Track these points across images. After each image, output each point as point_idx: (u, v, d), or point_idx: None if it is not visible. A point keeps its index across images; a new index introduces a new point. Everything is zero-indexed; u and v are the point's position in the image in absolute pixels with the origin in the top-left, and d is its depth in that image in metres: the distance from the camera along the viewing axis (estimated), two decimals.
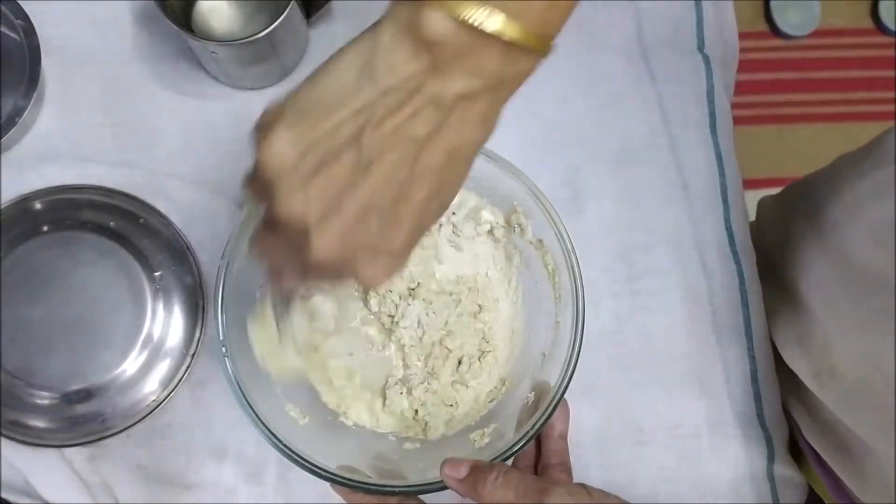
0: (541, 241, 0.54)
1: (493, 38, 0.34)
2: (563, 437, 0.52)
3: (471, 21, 0.33)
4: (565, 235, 0.52)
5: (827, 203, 0.59)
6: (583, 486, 0.44)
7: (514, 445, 0.48)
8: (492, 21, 0.33)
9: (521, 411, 0.52)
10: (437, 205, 0.38)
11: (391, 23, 0.35)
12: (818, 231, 0.59)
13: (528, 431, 0.49)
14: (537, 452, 0.52)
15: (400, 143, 0.35)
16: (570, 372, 0.50)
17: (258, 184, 0.38)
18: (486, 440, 0.52)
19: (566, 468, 0.51)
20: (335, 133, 0.35)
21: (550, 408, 0.49)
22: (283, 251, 0.40)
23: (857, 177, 0.57)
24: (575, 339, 0.50)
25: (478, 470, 0.45)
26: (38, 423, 0.57)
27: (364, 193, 0.36)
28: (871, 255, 0.53)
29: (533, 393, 0.52)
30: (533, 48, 0.35)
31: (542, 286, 0.55)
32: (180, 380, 0.58)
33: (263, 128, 0.37)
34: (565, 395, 0.50)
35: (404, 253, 0.38)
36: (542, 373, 0.52)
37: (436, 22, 0.33)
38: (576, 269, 0.51)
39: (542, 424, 0.49)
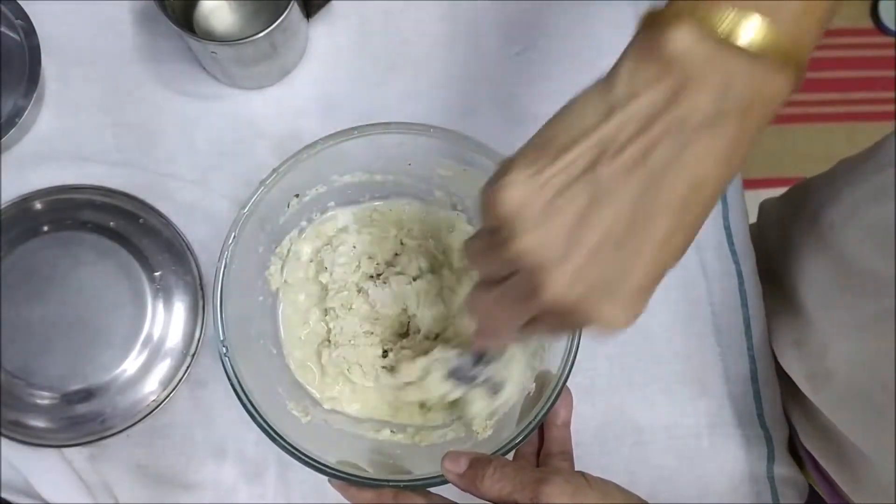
0: None
1: (741, 51, 0.32)
2: (566, 425, 0.52)
3: (719, 29, 0.32)
4: None
5: (826, 206, 0.59)
6: (581, 474, 0.44)
7: (517, 436, 0.49)
8: (742, 29, 0.32)
9: (523, 402, 0.52)
10: (679, 244, 0.35)
11: (632, 51, 0.34)
12: (817, 234, 0.59)
13: (530, 421, 0.49)
14: (540, 440, 0.52)
15: (638, 174, 0.33)
16: (571, 360, 0.50)
17: (485, 236, 0.37)
18: (489, 432, 0.52)
19: (568, 456, 0.51)
20: (570, 167, 0.34)
21: (553, 397, 0.49)
22: (505, 304, 0.38)
23: (856, 180, 0.57)
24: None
25: (477, 464, 0.45)
26: (38, 423, 0.57)
27: (599, 230, 0.34)
28: (870, 258, 0.53)
29: (535, 383, 0.52)
30: (785, 62, 0.33)
31: None
32: (180, 380, 0.58)
33: (498, 174, 0.35)
34: (567, 384, 0.50)
35: (643, 294, 0.35)
36: (544, 362, 0.52)
37: (681, 37, 0.32)
38: None
39: (545, 414, 0.49)
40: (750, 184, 0.69)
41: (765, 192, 0.76)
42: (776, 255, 0.67)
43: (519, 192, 0.34)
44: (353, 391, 0.56)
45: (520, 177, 0.34)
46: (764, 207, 0.75)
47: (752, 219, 0.69)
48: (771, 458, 0.61)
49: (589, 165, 0.34)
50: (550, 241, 0.34)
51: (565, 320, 0.36)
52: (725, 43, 0.32)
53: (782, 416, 0.63)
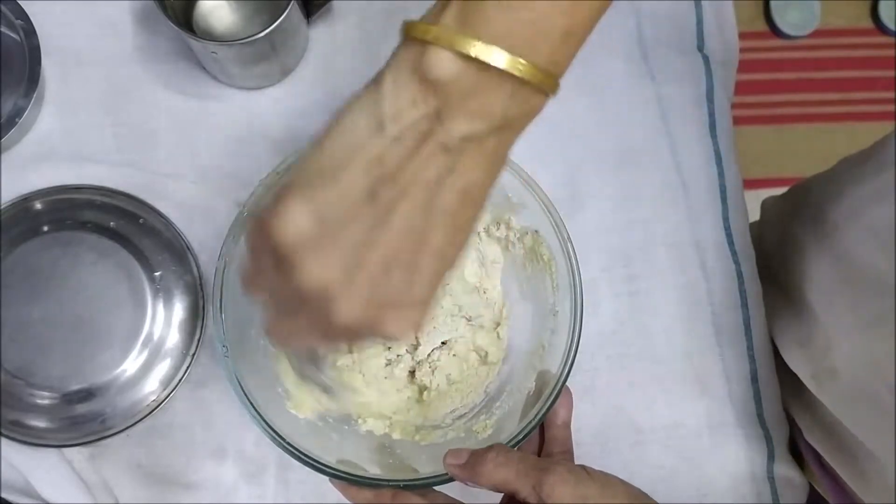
0: (536, 231, 0.54)
1: (500, 75, 0.33)
2: (567, 425, 0.52)
3: (477, 57, 0.33)
4: (559, 223, 0.52)
5: (829, 205, 0.59)
6: (583, 467, 0.44)
7: (517, 435, 0.49)
8: (498, 58, 0.33)
9: (524, 402, 0.52)
10: (455, 247, 0.37)
11: (395, 70, 0.35)
12: (820, 233, 0.59)
13: (531, 421, 0.49)
14: (540, 440, 0.52)
15: (414, 190, 0.34)
16: (570, 359, 0.50)
17: (259, 268, 0.37)
18: (490, 431, 0.53)
19: (569, 456, 0.51)
20: (349, 193, 0.34)
21: (553, 396, 0.49)
22: (304, 326, 0.38)
23: (859, 180, 0.57)
24: (574, 326, 0.50)
25: (478, 453, 0.45)
26: (38, 423, 0.57)
27: (384, 249, 0.35)
28: (873, 257, 0.53)
29: (535, 383, 0.52)
30: (541, 85, 0.34)
31: (539, 277, 0.55)
32: (180, 380, 0.58)
33: (272, 203, 0.36)
34: (567, 384, 0.50)
35: (428, 302, 0.37)
36: (544, 362, 0.52)
37: (442, 62, 0.33)
38: (572, 256, 0.51)
39: (545, 413, 0.49)
40: (750, 184, 0.69)
41: (765, 192, 0.76)
42: (779, 254, 0.67)
43: (297, 223, 0.35)
44: (354, 391, 0.56)
45: (297, 206, 0.35)
46: (765, 206, 0.75)
47: (753, 218, 0.69)
48: (771, 458, 0.62)
49: (366, 192, 0.34)
50: (332, 270, 0.35)
51: (357, 335, 0.37)
52: (483, 67, 0.33)
53: (782, 415, 0.63)
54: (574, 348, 0.50)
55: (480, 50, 0.33)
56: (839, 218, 0.58)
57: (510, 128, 0.36)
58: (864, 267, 0.54)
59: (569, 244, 0.51)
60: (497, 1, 0.33)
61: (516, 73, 0.33)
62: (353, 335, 0.38)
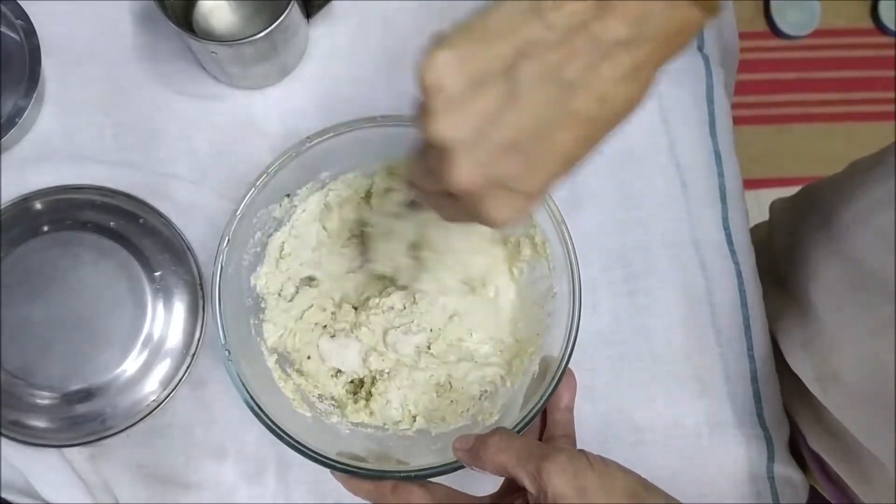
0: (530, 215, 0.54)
1: None
2: (570, 408, 0.52)
3: None
4: (552, 205, 0.52)
5: (839, 209, 0.59)
6: (584, 453, 0.44)
7: (521, 419, 0.49)
8: None
9: (527, 386, 0.52)
10: (577, 156, 0.37)
11: None
12: (829, 236, 0.59)
13: (535, 405, 0.49)
14: (542, 425, 0.52)
15: (552, 81, 0.35)
16: (571, 340, 0.50)
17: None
18: (496, 418, 0.53)
19: (570, 440, 0.51)
20: (493, 60, 0.35)
21: (556, 379, 0.49)
22: (423, 171, 0.40)
23: (869, 184, 0.57)
24: (574, 307, 0.51)
25: (483, 436, 0.45)
26: (38, 423, 0.57)
27: (512, 127, 0.35)
28: (882, 262, 0.53)
29: (538, 367, 0.52)
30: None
31: (535, 263, 0.55)
32: (180, 380, 0.58)
33: (430, 46, 0.37)
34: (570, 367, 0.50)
35: (537, 196, 0.38)
36: (545, 346, 0.52)
37: None
38: (567, 239, 0.51)
39: (549, 397, 0.49)
40: (750, 184, 0.69)
41: (764, 192, 0.77)
42: (786, 256, 0.67)
43: (443, 69, 0.36)
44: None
45: (447, 55, 0.36)
46: (774, 208, 0.74)
47: (753, 218, 0.69)
48: (771, 458, 0.61)
49: (510, 63, 0.35)
50: (462, 129, 0.36)
51: (459, 204, 0.38)
52: None
53: (782, 415, 0.63)
54: (574, 329, 0.50)
55: None
56: (849, 221, 0.58)
57: (663, 43, 0.36)
58: (873, 271, 0.54)
59: (563, 226, 0.52)
60: None
61: None
62: (458, 204, 0.38)
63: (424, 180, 0.41)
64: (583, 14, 0.35)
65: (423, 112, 0.37)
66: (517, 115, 0.35)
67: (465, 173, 0.36)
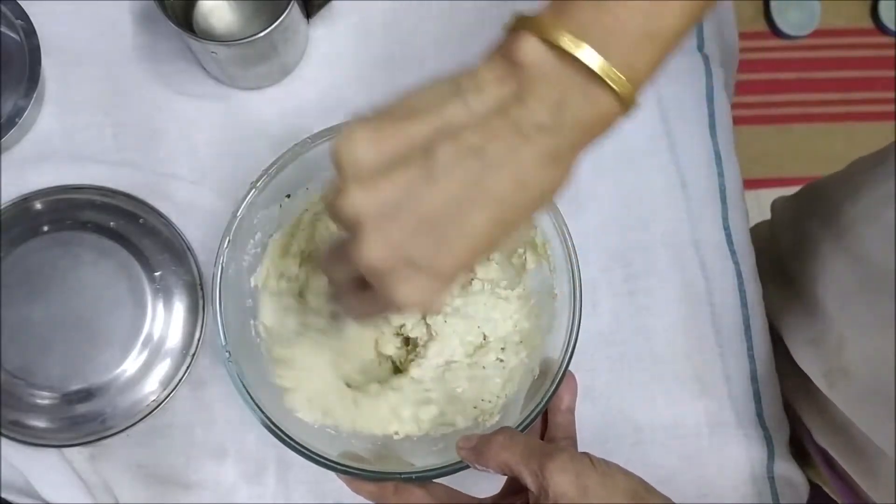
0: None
1: (578, 69, 0.35)
2: (571, 410, 0.52)
3: (557, 44, 0.34)
4: (553, 207, 0.52)
5: (844, 205, 0.59)
6: (586, 454, 0.44)
7: (522, 421, 0.49)
8: (577, 50, 0.34)
9: (528, 388, 0.52)
10: (491, 239, 0.37)
11: (489, 53, 0.37)
12: (835, 233, 0.60)
13: (535, 406, 0.49)
14: (543, 427, 0.52)
15: (471, 162, 0.35)
16: (572, 342, 0.50)
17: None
18: (496, 419, 0.53)
19: (572, 442, 0.51)
20: (411, 137, 0.36)
21: (556, 380, 0.49)
22: (335, 255, 0.39)
23: (875, 180, 0.57)
24: (574, 308, 0.50)
25: (486, 436, 0.46)
26: (38, 423, 0.57)
27: (426, 205, 0.35)
28: (889, 258, 0.53)
29: (539, 369, 0.52)
30: (616, 91, 0.35)
31: (536, 266, 0.55)
32: (180, 380, 0.58)
33: (346, 126, 0.37)
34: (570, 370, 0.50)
35: (449, 278, 0.37)
36: (546, 347, 0.52)
37: (529, 45, 0.35)
38: (568, 239, 0.51)
39: (550, 398, 0.49)
40: (750, 184, 0.69)
41: (764, 192, 0.77)
42: (790, 254, 0.67)
43: (358, 146, 0.36)
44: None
45: (363, 132, 0.36)
46: (776, 206, 0.75)
47: (753, 218, 0.69)
48: (771, 458, 0.62)
49: (428, 142, 0.35)
50: (374, 205, 0.36)
51: (369, 293, 0.38)
52: (568, 58, 0.35)
53: (782, 415, 0.63)
54: (575, 332, 0.50)
55: (562, 39, 0.34)
56: (855, 218, 0.58)
57: (581, 132, 0.36)
58: (880, 267, 0.54)
59: (563, 226, 0.52)
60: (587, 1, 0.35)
61: (592, 65, 0.34)
62: (368, 293, 0.38)
63: (336, 269, 0.41)
64: (503, 99, 0.35)
65: (335, 189, 0.37)
66: (433, 194, 0.35)
67: (373, 250, 0.36)
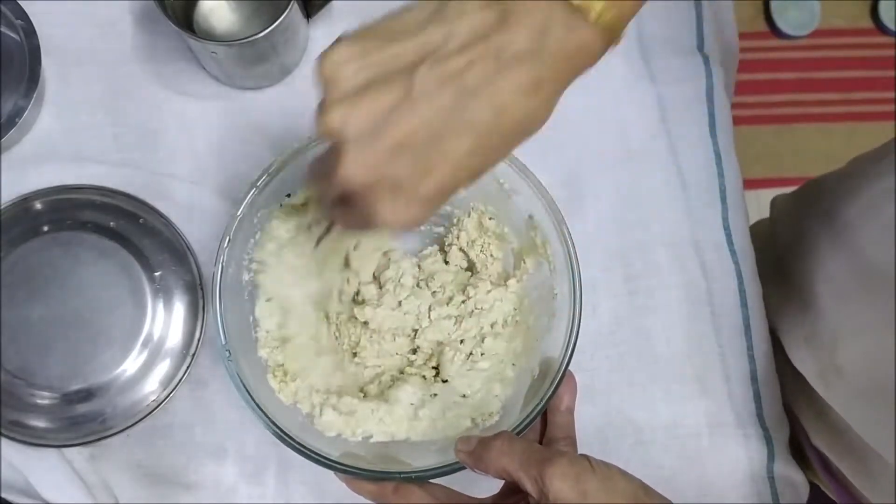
0: (531, 216, 0.54)
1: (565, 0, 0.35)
2: (570, 410, 0.52)
3: None
4: (553, 206, 0.52)
5: (843, 203, 0.59)
6: (585, 457, 0.44)
7: (521, 421, 0.49)
8: None
9: (527, 388, 0.52)
10: (474, 166, 0.37)
11: None
12: (833, 230, 0.60)
13: (535, 407, 0.49)
14: (543, 427, 0.52)
15: (451, 87, 0.35)
16: (572, 342, 0.50)
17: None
18: (496, 419, 0.53)
19: (571, 442, 0.51)
20: (393, 59, 0.36)
21: (556, 381, 0.49)
22: (318, 168, 0.40)
23: (873, 178, 0.57)
24: (574, 308, 0.50)
25: (486, 440, 0.46)
26: (38, 423, 0.57)
27: (404, 127, 0.35)
28: (887, 255, 0.53)
29: (539, 369, 0.52)
30: (597, 21, 0.35)
31: (536, 266, 0.55)
32: (180, 380, 0.58)
33: (331, 44, 0.37)
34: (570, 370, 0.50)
35: (429, 203, 0.37)
36: (546, 348, 0.52)
37: None
38: (567, 238, 0.51)
39: (549, 398, 0.49)
40: (750, 184, 0.69)
41: (764, 192, 0.77)
42: (789, 251, 0.67)
43: (341, 62, 0.36)
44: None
45: (347, 49, 0.36)
46: (775, 204, 0.75)
47: (753, 218, 0.69)
48: (771, 458, 0.61)
49: (410, 65, 0.36)
50: (355, 123, 0.36)
51: (353, 207, 0.38)
52: None
53: (782, 415, 0.63)
54: (575, 332, 0.50)
55: None
56: (854, 216, 0.58)
57: (563, 62, 0.36)
58: (878, 265, 0.54)
59: (563, 226, 0.52)
60: None
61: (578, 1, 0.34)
62: (349, 199, 0.38)
63: (321, 183, 0.41)
64: (485, 24, 0.35)
65: (319, 106, 0.37)
66: (411, 116, 0.35)
67: (354, 167, 0.36)
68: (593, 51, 0.37)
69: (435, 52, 0.35)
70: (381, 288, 0.57)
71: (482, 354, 0.55)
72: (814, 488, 0.64)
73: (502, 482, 0.49)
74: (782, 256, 0.68)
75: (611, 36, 0.36)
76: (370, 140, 0.36)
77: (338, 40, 0.37)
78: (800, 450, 0.65)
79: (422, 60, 0.35)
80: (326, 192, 0.41)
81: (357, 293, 0.57)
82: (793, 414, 0.64)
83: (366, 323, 0.56)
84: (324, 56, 0.37)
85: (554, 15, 0.35)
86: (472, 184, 0.38)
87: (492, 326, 0.56)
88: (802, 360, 0.61)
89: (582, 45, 0.36)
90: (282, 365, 0.53)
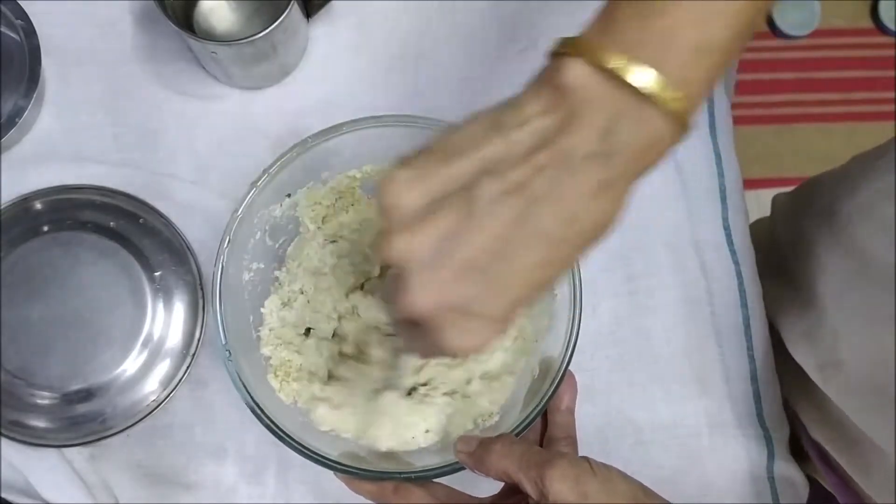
0: None
1: (632, 90, 0.33)
2: (570, 410, 0.52)
3: (609, 66, 0.32)
4: None
5: (842, 200, 0.59)
6: (586, 459, 0.44)
7: (522, 422, 0.49)
8: (628, 69, 0.32)
9: (527, 388, 0.52)
10: (546, 278, 0.35)
11: (533, 81, 0.35)
12: (833, 228, 0.60)
13: (535, 407, 0.49)
14: (543, 426, 0.52)
15: (515, 199, 0.33)
16: (572, 342, 0.50)
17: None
18: (496, 418, 0.53)
19: (572, 441, 0.51)
20: (453, 178, 0.34)
21: (556, 381, 0.49)
22: (384, 296, 0.38)
23: (872, 176, 0.58)
24: (574, 308, 0.50)
25: (486, 442, 0.45)
26: (38, 423, 0.57)
27: (469, 249, 0.33)
28: (886, 252, 0.53)
29: (539, 369, 0.52)
30: (671, 110, 0.33)
31: None
32: (180, 380, 0.58)
33: (391, 168, 0.36)
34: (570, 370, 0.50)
35: (501, 324, 0.35)
36: (546, 348, 0.52)
37: (575, 69, 0.33)
38: None
39: (549, 398, 0.49)
40: (750, 184, 0.69)
41: (765, 192, 0.77)
42: (789, 248, 0.67)
43: (401, 188, 0.34)
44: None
45: (405, 174, 0.35)
46: (776, 202, 0.75)
47: (752, 218, 0.69)
48: (771, 458, 0.62)
49: (471, 181, 0.34)
50: (419, 247, 0.34)
51: (417, 332, 0.36)
52: (618, 80, 0.33)
53: (782, 415, 0.64)
54: (575, 332, 0.50)
55: (611, 59, 0.32)
56: (852, 213, 0.58)
57: (634, 159, 0.34)
58: (877, 262, 0.54)
59: None
60: (631, 11, 0.33)
61: (643, 86, 0.32)
62: (413, 325, 0.36)
63: (388, 307, 0.39)
64: (548, 130, 0.33)
65: (381, 233, 0.35)
66: (476, 236, 0.33)
67: (418, 297, 0.34)
68: (666, 142, 0.34)
69: (496, 165, 0.33)
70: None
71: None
72: (812, 483, 0.64)
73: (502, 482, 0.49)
74: (783, 254, 0.68)
75: (683, 123, 0.34)
76: (434, 266, 0.34)
77: (395, 166, 0.35)
78: (798, 444, 0.65)
79: (484, 174, 0.33)
80: (393, 316, 0.39)
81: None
82: (791, 408, 0.64)
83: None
84: (383, 183, 0.35)
85: (623, 109, 0.33)
86: (543, 296, 0.37)
87: None
88: (802, 354, 0.61)
89: (654, 138, 0.34)
90: (288, 361, 0.53)
